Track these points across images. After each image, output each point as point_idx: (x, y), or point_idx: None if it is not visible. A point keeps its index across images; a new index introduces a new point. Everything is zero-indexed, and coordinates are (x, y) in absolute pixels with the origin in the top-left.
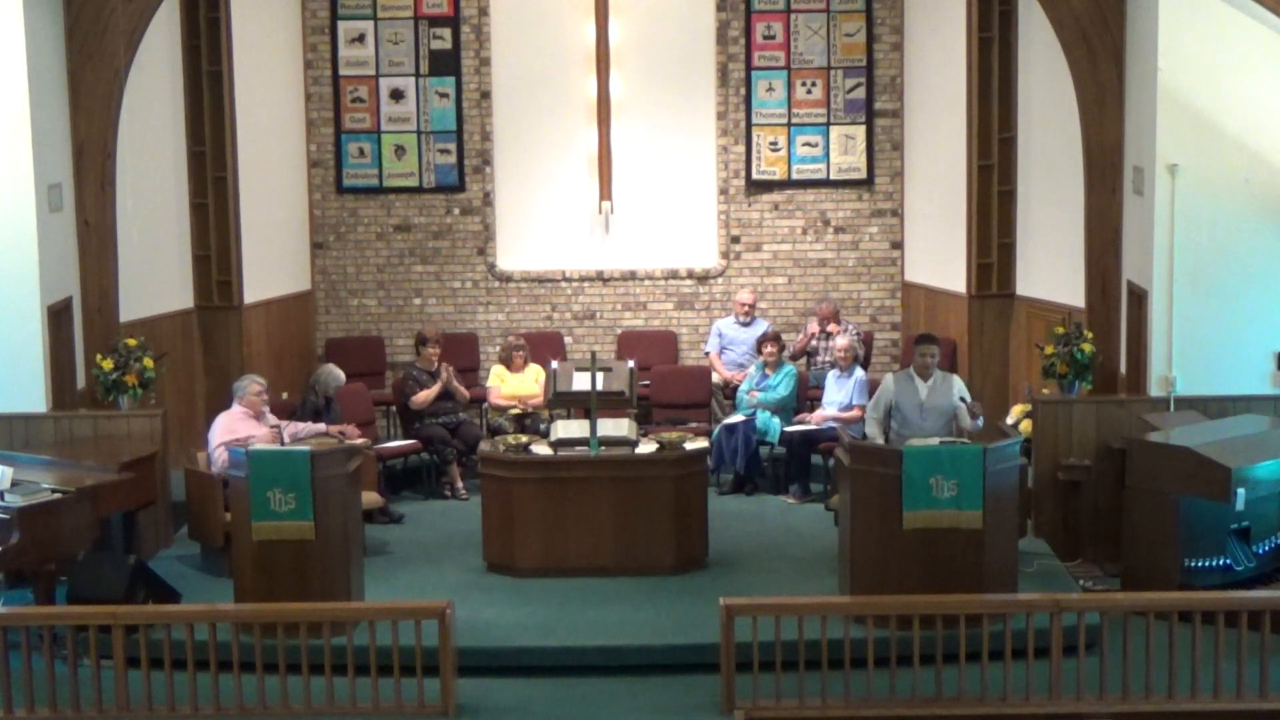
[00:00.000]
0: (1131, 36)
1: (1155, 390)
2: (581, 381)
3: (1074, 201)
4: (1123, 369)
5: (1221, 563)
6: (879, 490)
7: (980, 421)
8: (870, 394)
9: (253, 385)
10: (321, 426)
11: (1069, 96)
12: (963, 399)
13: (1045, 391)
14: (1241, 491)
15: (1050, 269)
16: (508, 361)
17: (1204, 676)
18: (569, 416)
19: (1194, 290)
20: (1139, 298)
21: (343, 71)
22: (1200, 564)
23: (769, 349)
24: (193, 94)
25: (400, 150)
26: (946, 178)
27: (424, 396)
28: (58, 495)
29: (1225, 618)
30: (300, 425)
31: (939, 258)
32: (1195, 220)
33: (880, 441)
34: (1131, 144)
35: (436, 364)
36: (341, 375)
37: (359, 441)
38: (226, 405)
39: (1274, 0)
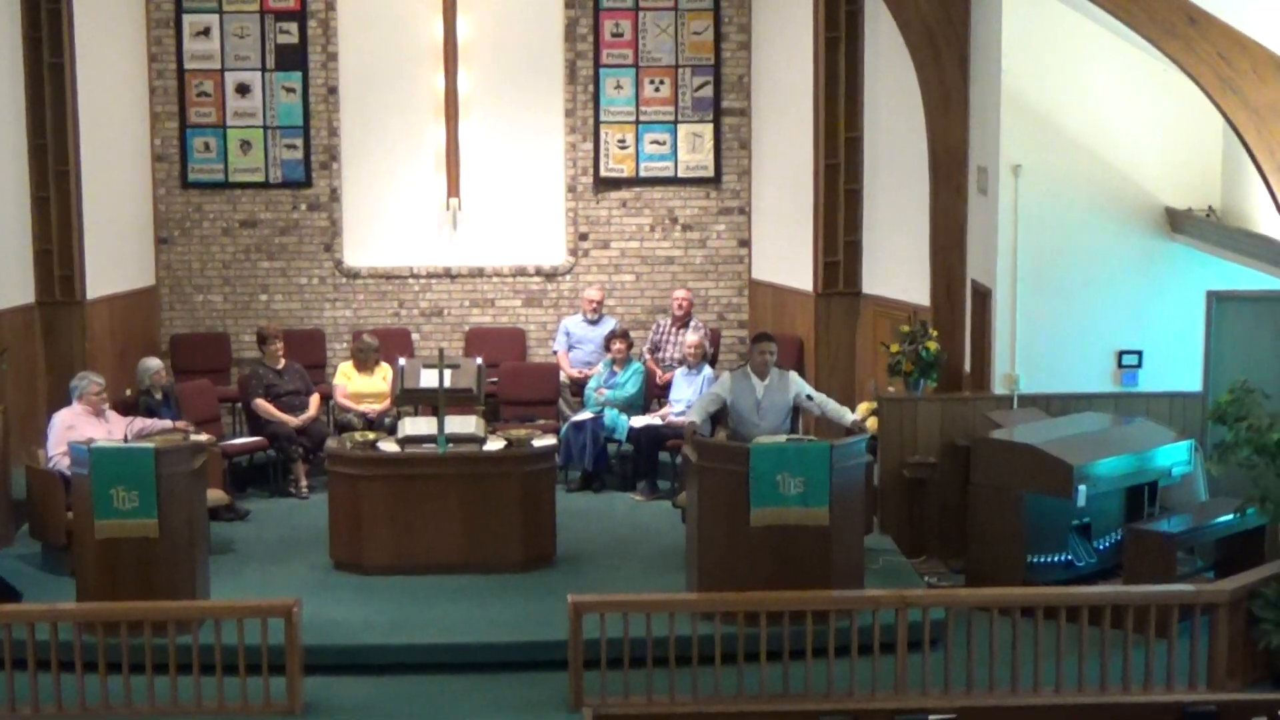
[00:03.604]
0: (976, 38)
1: (999, 388)
2: (429, 379)
3: (920, 201)
4: (967, 367)
5: (1063, 558)
6: (726, 487)
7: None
8: None
9: (91, 384)
10: (167, 423)
11: (915, 97)
12: (807, 397)
13: (891, 389)
14: (1083, 488)
15: (896, 268)
16: (359, 361)
17: (1045, 671)
18: (416, 413)
19: (1037, 289)
20: (983, 296)
21: (188, 65)
22: (1043, 559)
23: (617, 346)
24: (33, 87)
25: (246, 145)
26: (793, 176)
27: (273, 413)
28: None
29: (1067, 613)
30: (147, 421)
31: (786, 256)
32: (1038, 220)
33: (698, 424)
34: (976, 144)
35: (282, 360)
36: (155, 364)
37: (204, 438)
38: (66, 403)
39: (1112, 2)
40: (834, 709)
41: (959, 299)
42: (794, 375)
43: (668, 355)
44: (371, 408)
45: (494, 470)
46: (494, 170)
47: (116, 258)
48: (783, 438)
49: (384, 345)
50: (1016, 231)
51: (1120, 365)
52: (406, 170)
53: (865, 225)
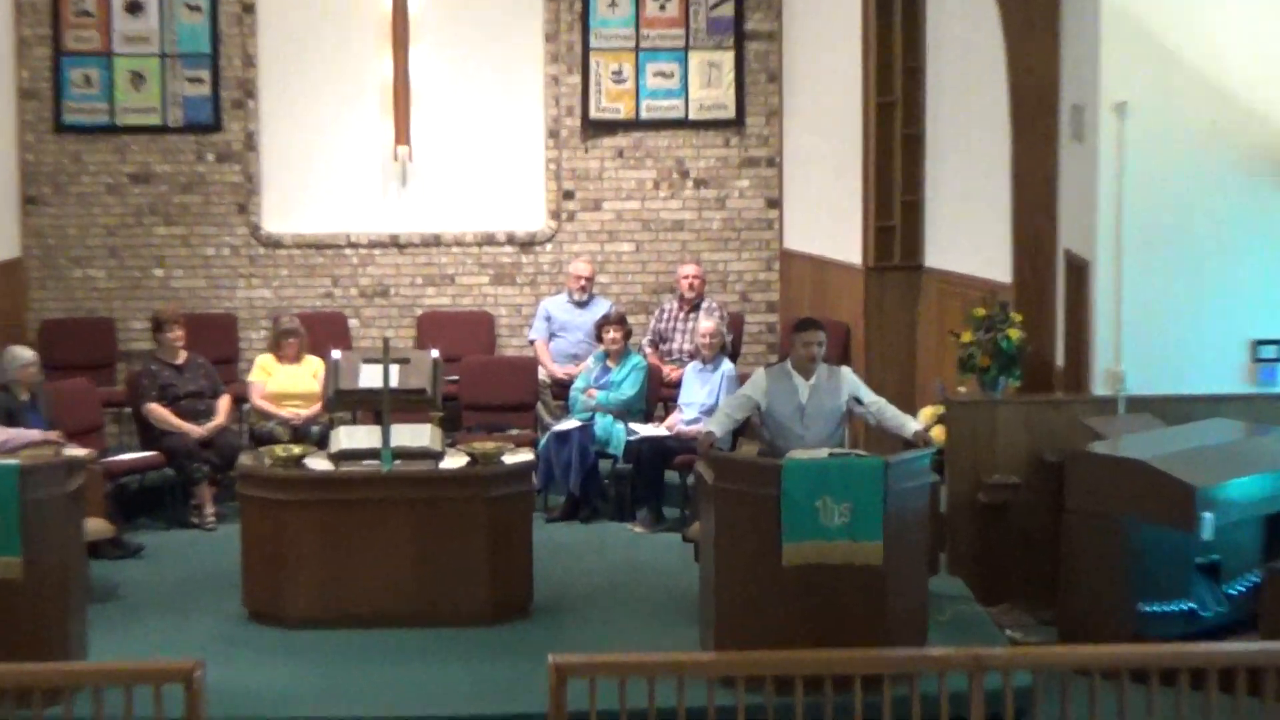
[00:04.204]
0: None
1: (1100, 388)
2: (370, 376)
3: (998, 150)
4: (1059, 361)
5: (1185, 607)
6: (751, 515)
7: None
8: None
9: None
10: (34, 433)
11: (992, 18)
12: (857, 400)
13: (962, 390)
14: (1209, 516)
15: (968, 235)
16: (276, 349)
17: None
18: (354, 421)
19: (1148, 262)
20: (1080, 271)
21: None
22: (1158, 609)
23: (611, 335)
24: None
25: (138, 79)
26: (837, 118)
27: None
28: None
29: (1190, 677)
30: (9, 431)
31: (827, 220)
32: (1149, 174)
33: (716, 435)
34: (1069, 78)
35: (183, 354)
36: (26, 355)
37: (81, 453)
38: None
39: None
40: None
41: (1048, 275)
42: (847, 372)
43: (676, 347)
44: (297, 413)
45: (453, 494)
46: (454, 111)
47: None
48: (824, 452)
49: (313, 334)
50: (1122, 188)
51: (1256, 359)
52: (343, 111)
53: (928, 181)
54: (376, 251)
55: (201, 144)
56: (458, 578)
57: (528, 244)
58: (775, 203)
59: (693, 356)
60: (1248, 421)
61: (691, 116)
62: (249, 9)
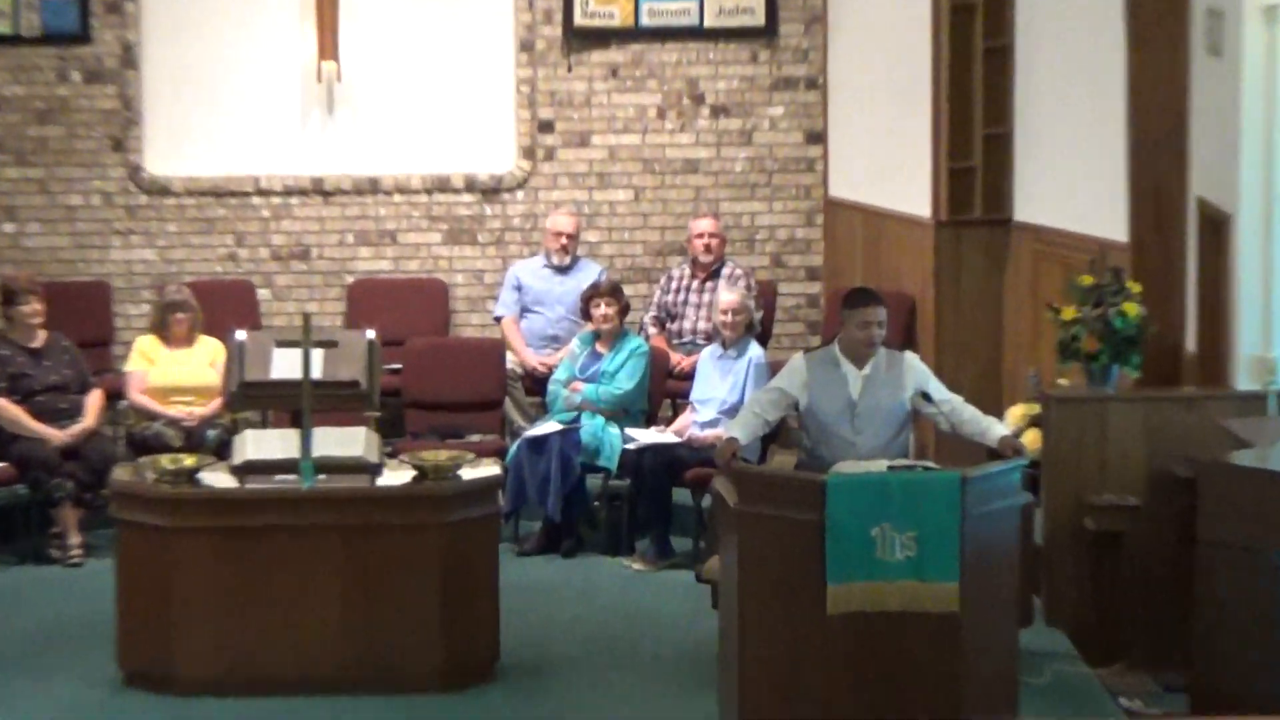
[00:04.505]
0: None
1: (1246, 380)
2: (286, 365)
3: (1109, 68)
4: (1191, 344)
5: None
6: (787, 548)
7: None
8: None
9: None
10: None
11: None
12: (925, 396)
13: (1063, 383)
14: None
15: (1071, 179)
16: (162, 329)
17: None
18: (264, 424)
19: None
20: (1217, 227)
21: None
22: None
23: (602, 311)
24: None
25: None
26: (898, 27)
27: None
28: None
29: None
30: None
31: (886, 159)
32: None
33: (740, 442)
34: None
35: (41, 334)
36: None
37: None
38: None
39: None
40: None
41: (1176, 231)
42: (912, 359)
43: (688, 326)
44: (190, 412)
45: (395, 520)
46: (396, 18)
47: None
48: (882, 464)
49: (210, 308)
50: (1273, 117)
51: None
52: (250, 17)
53: (1018, 110)
54: (294, 201)
55: (64, 59)
56: (401, 630)
57: (493, 191)
58: (818, 137)
59: (710, 339)
60: None
61: (707, 24)
62: None
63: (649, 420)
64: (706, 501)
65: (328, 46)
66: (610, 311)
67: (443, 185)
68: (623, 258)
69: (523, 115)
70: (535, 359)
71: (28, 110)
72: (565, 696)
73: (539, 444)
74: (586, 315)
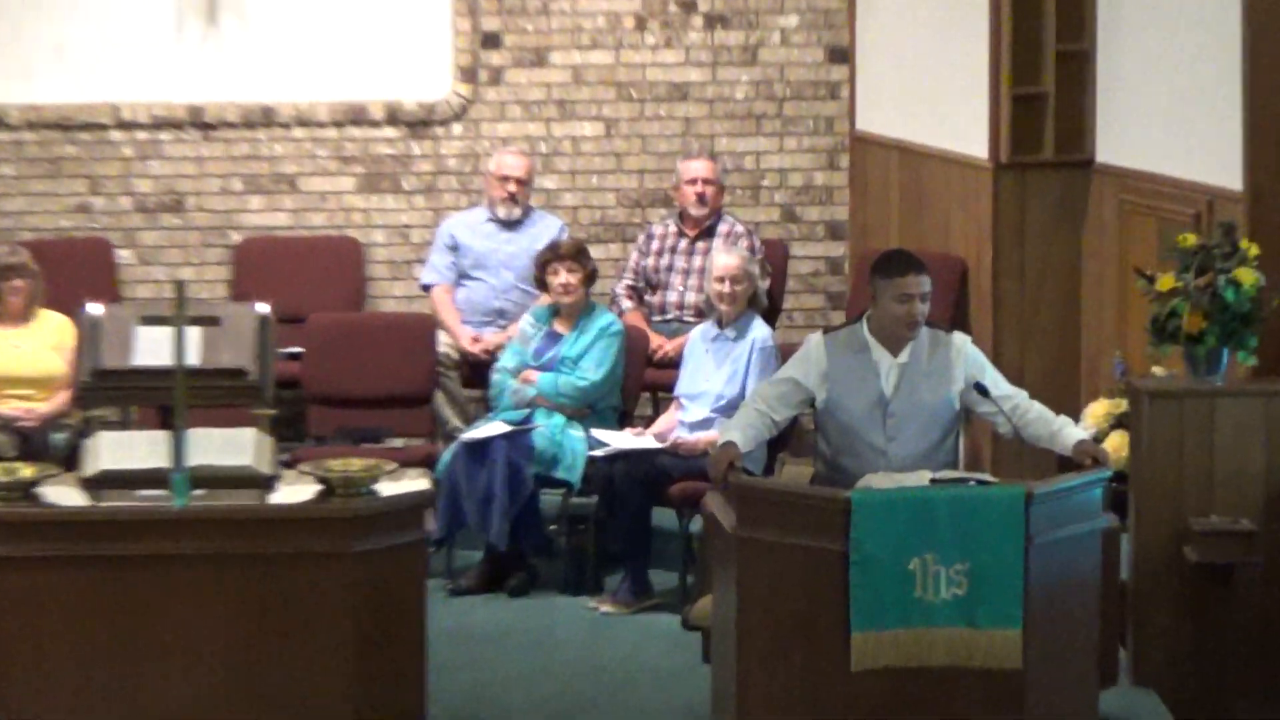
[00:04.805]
0: None
1: None
2: (153, 348)
3: None
4: None
5: None
6: (799, 585)
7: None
8: None
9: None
10: None
11: None
12: (980, 390)
13: (1158, 371)
14: None
15: (1168, 112)
16: None
17: None
18: (125, 425)
19: None
20: None
21: None
22: None
23: (563, 279)
24: None
25: None
26: None
27: None
28: None
29: None
30: None
31: (931, 85)
32: None
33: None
34: None
35: None
36: None
37: None
38: None
39: None
40: None
41: None
42: (963, 343)
43: (674, 299)
44: (27, 408)
45: (295, 548)
46: None
47: None
48: (924, 476)
49: (55, 274)
50: None
51: None
52: None
53: (1101, 22)
54: (165, 136)
55: None
56: (301, 688)
57: (421, 124)
58: (842, 55)
59: (702, 316)
60: None
61: None
62: None
63: (622, 420)
64: (696, 525)
65: None
66: (573, 280)
67: (357, 117)
68: (589, 210)
69: (461, 26)
70: (474, 341)
71: None
72: None
73: (480, 450)
74: (542, 285)
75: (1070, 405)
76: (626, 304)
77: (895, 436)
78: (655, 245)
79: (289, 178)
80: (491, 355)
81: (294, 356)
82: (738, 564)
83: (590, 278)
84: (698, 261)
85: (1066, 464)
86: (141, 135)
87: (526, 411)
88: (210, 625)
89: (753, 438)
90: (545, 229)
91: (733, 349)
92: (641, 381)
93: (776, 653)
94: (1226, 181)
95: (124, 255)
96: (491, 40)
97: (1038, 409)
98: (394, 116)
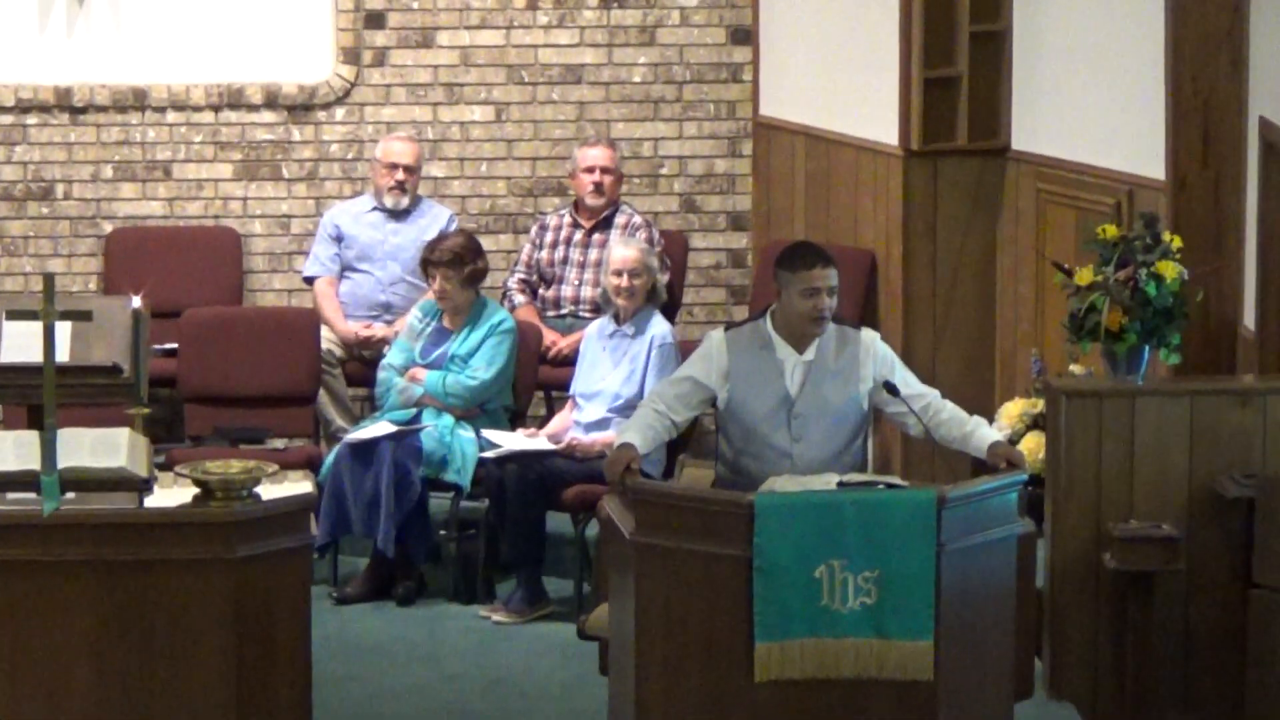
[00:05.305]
0: None
1: None
2: (20, 344)
3: None
4: (1249, 320)
5: None
6: (700, 592)
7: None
8: None
9: None
10: None
11: None
12: (890, 388)
13: (1075, 369)
14: None
15: (1087, 96)
16: None
17: None
18: None
19: None
20: None
21: None
22: None
23: (438, 285)
24: None
25: None
26: None
27: None
28: None
29: None
30: None
31: (839, 68)
32: None
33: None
34: None
35: None
36: None
37: None
38: None
39: None
40: None
41: (1230, 165)
42: (872, 340)
43: (568, 294)
44: None
45: (169, 554)
46: None
47: None
48: (831, 480)
49: None
50: None
51: None
52: None
53: (1018, 3)
54: (31, 120)
55: None
56: (177, 702)
57: (302, 108)
58: (745, 36)
59: (598, 311)
60: None
61: None
62: None
63: (515, 421)
64: (592, 530)
65: None
66: (448, 287)
67: (234, 100)
68: (479, 199)
69: (343, 4)
70: (359, 335)
71: None
72: None
73: (365, 452)
74: (428, 277)
75: (985, 405)
76: (519, 299)
77: (801, 438)
78: (549, 237)
79: (163, 164)
80: (378, 351)
81: (169, 353)
82: (636, 571)
83: (473, 277)
84: (593, 254)
85: (980, 467)
86: (6, 119)
87: (414, 411)
88: (82, 636)
89: (651, 439)
90: (434, 219)
91: (630, 346)
92: (535, 380)
93: (677, 664)
94: (1148, 170)
95: None
96: (375, 20)
97: (950, 409)
98: (273, 100)
